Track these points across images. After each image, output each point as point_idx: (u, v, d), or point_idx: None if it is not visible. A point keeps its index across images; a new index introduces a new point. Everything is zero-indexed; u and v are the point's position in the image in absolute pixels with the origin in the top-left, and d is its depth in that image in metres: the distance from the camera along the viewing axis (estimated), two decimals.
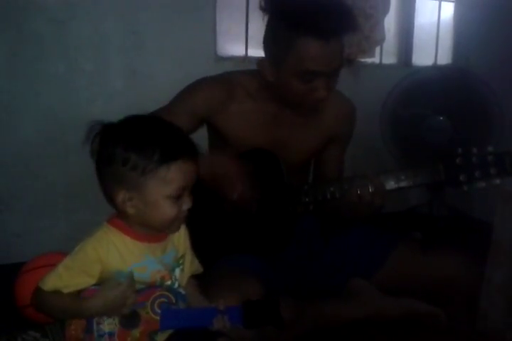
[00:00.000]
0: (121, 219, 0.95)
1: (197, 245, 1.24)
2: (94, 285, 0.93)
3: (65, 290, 0.90)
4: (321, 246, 1.49)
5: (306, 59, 1.22)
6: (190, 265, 1.05)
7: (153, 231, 0.96)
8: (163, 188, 0.90)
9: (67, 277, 0.91)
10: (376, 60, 2.33)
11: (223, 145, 1.45)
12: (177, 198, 0.92)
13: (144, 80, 1.84)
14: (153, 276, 0.95)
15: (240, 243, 1.36)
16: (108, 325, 0.92)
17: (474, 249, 1.37)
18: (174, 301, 0.95)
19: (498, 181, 1.25)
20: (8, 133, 1.73)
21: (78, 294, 0.91)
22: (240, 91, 1.39)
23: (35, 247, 1.59)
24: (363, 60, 2.24)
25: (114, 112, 1.61)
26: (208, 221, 1.36)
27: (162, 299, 0.94)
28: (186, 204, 0.94)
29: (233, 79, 1.40)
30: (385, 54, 2.36)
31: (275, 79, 1.30)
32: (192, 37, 1.87)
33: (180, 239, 1.03)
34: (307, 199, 1.35)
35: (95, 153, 0.92)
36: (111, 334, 0.92)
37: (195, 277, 1.09)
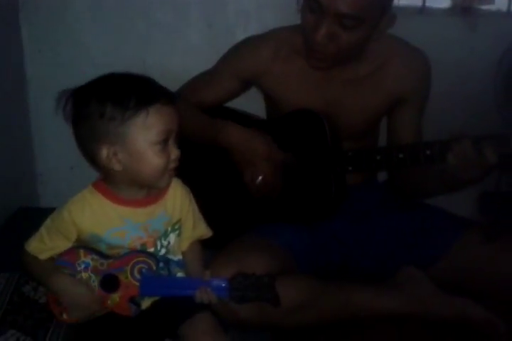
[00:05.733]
0: (106, 183, 0.94)
1: (227, 214, 1.19)
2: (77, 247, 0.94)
3: (44, 255, 0.93)
4: (376, 222, 1.33)
5: None
6: (193, 230, 1.01)
7: (139, 194, 0.93)
8: (146, 134, 0.87)
9: (47, 238, 0.93)
10: (503, 6, 1.95)
11: (275, 108, 1.36)
12: (163, 145, 0.88)
13: (220, 34, 1.77)
14: (133, 242, 0.93)
15: (275, 211, 1.27)
16: None
17: None
18: (155, 268, 0.92)
19: None
20: None
21: (53, 264, 0.94)
22: (286, 48, 1.28)
23: None
24: (482, 7, 1.89)
25: (192, 67, 1.62)
26: (239, 186, 1.29)
27: (141, 265, 0.91)
28: (174, 153, 0.89)
29: (279, 36, 1.30)
30: None
31: None
32: None
33: (176, 202, 0.97)
34: (350, 168, 1.21)
35: (70, 116, 0.91)
36: None
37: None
